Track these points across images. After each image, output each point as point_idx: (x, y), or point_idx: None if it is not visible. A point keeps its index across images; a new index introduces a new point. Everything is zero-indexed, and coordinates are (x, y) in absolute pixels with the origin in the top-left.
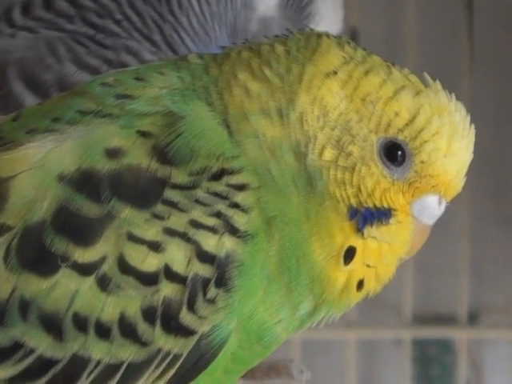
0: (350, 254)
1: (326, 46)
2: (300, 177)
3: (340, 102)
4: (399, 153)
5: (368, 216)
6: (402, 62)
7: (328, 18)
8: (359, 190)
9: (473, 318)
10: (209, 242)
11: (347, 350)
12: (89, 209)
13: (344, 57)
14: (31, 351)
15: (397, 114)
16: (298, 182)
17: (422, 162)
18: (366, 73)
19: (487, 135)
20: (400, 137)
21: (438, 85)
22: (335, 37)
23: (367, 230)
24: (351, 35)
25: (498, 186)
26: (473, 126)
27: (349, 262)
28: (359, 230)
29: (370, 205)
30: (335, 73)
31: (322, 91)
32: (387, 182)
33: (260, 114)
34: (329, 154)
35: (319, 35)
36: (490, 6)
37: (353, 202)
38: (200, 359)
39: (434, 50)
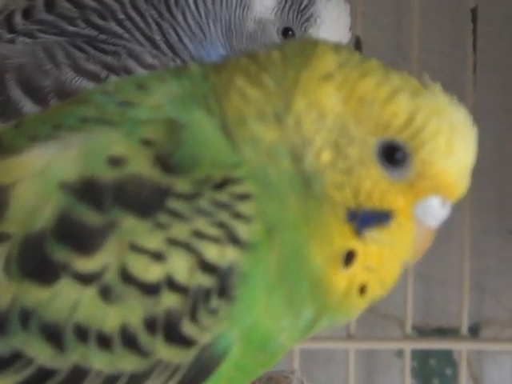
0: (349, 258)
1: (322, 51)
2: (297, 180)
3: (336, 104)
4: (398, 153)
5: (367, 218)
6: (405, 71)
7: (330, 23)
8: (357, 191)
9: (474, 331)
10: (211, 252)
11: (348, 361)
12: (91, 218)
13: (340, 60)
14: (31, 361)
15: (395, 114)
16: (295, 185)
17: (423, 162)
18: (363, 75)
19: (491, 146)
20: (399, 137)
21: (437, 87)
22: (332, 42)
23: (367, 233)
24: (355, 45)
25: (502, 198)
26: (475, 126)
27: (349, 266)
28: (358, 233)
29: (369, 207)
30: (331, 75)
31: (318, 94)
32: (386, 184)
33: (257, 118)
34: (326, 156)
35: (316, 41)
36: (493, 18)
37: (351, 204)
38: (202, 370)
39: (437, 61)
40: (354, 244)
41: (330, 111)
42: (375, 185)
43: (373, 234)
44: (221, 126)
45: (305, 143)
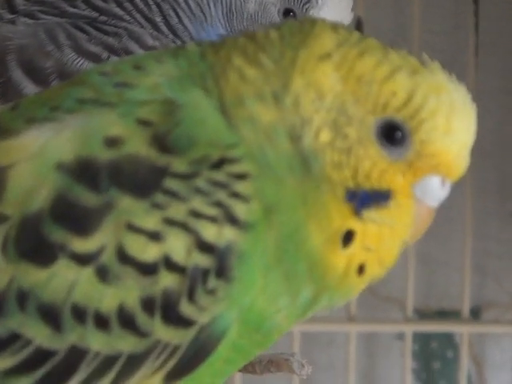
0: (348, 237)
1: (320, 30)
2: (296, 160)
3: (335, 83)
4: (397, 133)
5: (366, 198)
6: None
7: (332, 4)
8: (356, 171)
9: (475, 313)
10: (209, 232)
11: (349, 343)
12: (87, 198)
13: (338, 39)
14: (29, 342)
15: (393, 93)
16: (293, 165)
17: (421, 141)
18: (361, 54)
19: (491, 129)
20: (398, 116)
21: (436, 65)
22: (330, 22)
23: (366, 213)
24: (356, 26)
25: (503, 181)
26: (475, 105)
27: (348, 246)
28: (357, 213)
29: (368, 186)
30: (329, 55)
31: (316, 74)
32: (385, 163)
33: (255, 98)
34: (325, 136)
35: (313, 20)
36: None
37: (350, 184)
38: (200, 350)
39: (439, 43)
40: (353, 224)
41: (329, 91)
42: (374, 164)
43: (372, 214)
44: (218, 106)
45: (303, 123)
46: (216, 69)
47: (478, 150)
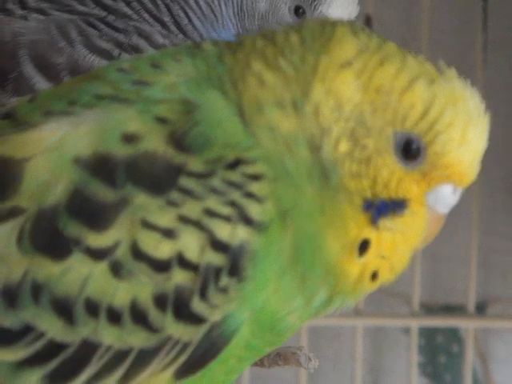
0: (364, 246)
1: (341, 35)
2: (315, 170)
3: (355, 93)
4: (414, 147)
5: (383, 208)
6: (415, 51)
7: (340, 0)
8: (375, 181)
9: (480, 308)
10: (222, 231)
11: (355, 337)
12: (103, 193)
13: (359, 46)
14: (42, 335)
15: (412, 105)
16: (312, 175)
17: (436, 153)
18: (381, 62)
19: (500, 126)
20: (415, 130)
21: (452, 72)
22: (349, 23)
23: (382, 222)
24: (365, 23)
25: (510, 177)
26: (487, 113)
27: (363, 254)
28: (374, 222)
29: (385, 196)
30: (350, 63)
31: (337, 82)
32: (402, 174)
33: (275, 105)
34: (344, 146)
35: (334, 23)
36: None
37: (368, 194)
38: (211, 348)
39: (447, 39)
40: (369, 233)
41: (348, 100)
42: (392, 175)
43: (387, 223)
44: (236, 110)
45: (323, 133)
46: (234, 72)
47: (486, 147)
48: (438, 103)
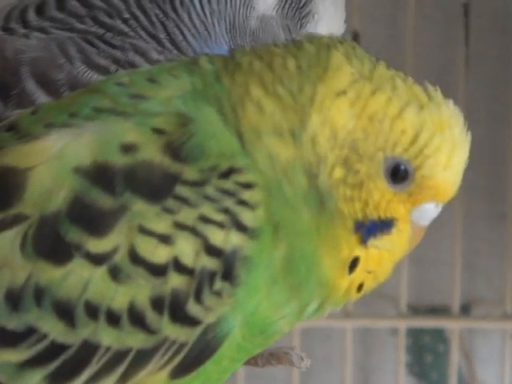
0: (353, 264)
1: (336, 63)
2: (311, 196)
3: (349, 121)
4: (402, 170)
5: (372, 228)
6: (400, 65)
7: (327, 18)
8: (366, 204)
9: (465, 310)
10: (216, 237)
11: (345, 338)
12: (103, 201)
13: (352, 74)
14: (44, 336)
15: (403, 132)
16: (309, 200)
17: (423, 176)
18: (374, 91)
19: (482, 137)
20: (405, 156)
21: (439, 95)
22: (342, 45)
23: (371, 241)
24: (353, 38)
25: (492, 185)
26: (469, 136)
27: (353, 271)
28: (363, 242)
29: (375, 217)
30: (344, 92)
31: (333, 111)
32: (391, 196)
33: (273, 133)
34: (338, 173)
35: (328, 47)
36: (486, 13)
37: (359, 215)
38: (205, 349)
39: (431, 54)
40: (359, 252)
41: (342, 128)
42: (382, 197)
43: (376, 242)
44: (234, 131)
45: (319, 161)
46: (233, 95)
47: (469, 156)
48: (426, 130)
